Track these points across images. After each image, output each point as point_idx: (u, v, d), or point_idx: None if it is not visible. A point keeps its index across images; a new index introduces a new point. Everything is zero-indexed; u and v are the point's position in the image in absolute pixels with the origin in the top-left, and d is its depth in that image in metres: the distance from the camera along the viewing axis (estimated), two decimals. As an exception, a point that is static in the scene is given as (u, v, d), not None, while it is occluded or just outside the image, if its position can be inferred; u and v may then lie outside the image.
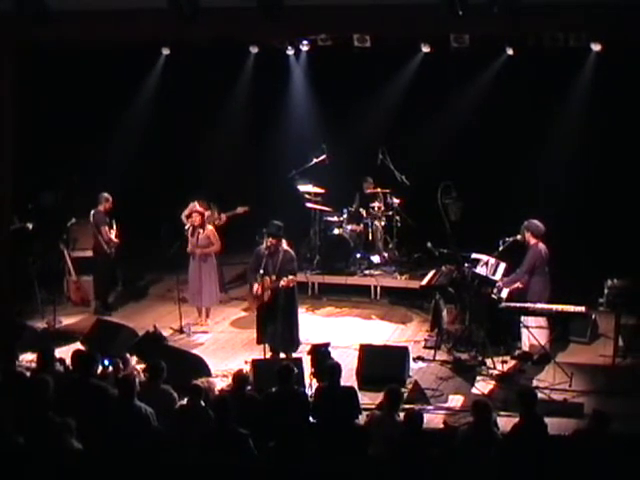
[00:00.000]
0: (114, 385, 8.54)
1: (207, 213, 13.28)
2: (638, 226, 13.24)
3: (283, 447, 6.93)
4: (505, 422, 8.48)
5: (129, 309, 13.63)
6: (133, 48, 12.89)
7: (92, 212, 13.23)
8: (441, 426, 9.07)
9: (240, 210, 13.93)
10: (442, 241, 11.73)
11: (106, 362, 9.62)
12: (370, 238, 14.66)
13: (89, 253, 13.69)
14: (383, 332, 12.57)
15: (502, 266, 11.60)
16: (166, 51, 15.10)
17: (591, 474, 7.06)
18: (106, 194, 13.24)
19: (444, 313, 11.86)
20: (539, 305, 10.72)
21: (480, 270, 11.34)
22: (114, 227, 13.28)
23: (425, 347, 11.69)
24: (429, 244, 12.36)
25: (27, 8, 9.57)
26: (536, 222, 11.18)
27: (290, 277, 10.84)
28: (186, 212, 13.18)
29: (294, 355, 10.78)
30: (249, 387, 9.02)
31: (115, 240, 13.23)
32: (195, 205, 13.08)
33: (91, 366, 8.73)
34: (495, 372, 10.69)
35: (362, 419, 8.67)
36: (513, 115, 14.58)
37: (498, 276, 11.41)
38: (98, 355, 9.08)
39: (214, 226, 12.97)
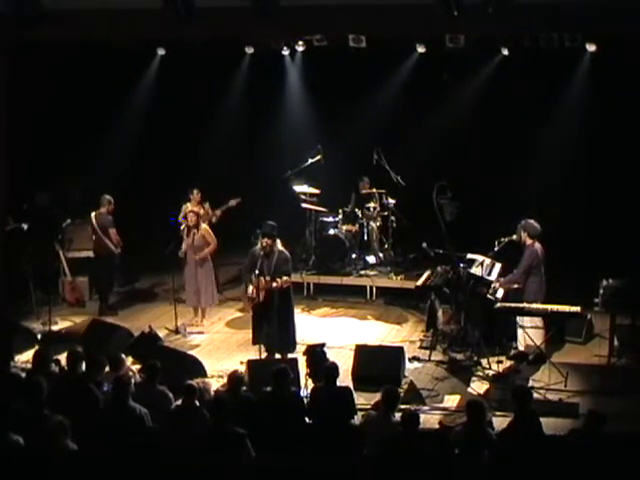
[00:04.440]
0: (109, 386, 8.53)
1: (201, 212, 13.27)
2: (634, 226, 13.24)
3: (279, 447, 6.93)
4: (500, 422, 8.49)
5: (124, 309, 13.59)
6: (129, 48, 12.88)
7: (93, 214, 13.18)
8: (437, 426, 9.07)
9: (233, 202, 13.79)
10: (438, 241, 11.72)
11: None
12: (366, 238, 14.67)
13: (84, 254, 13.68)
14: (378, 332, 12.57)
15: (497, 266, 11.60)
16: (161, 51, 15.07)
17: (586, 474, 7.07)
18: (108, 196, 13.20)
19: (439, 313, 11.86)
20: (534, 305, 10.71)
21: (475, 270, 11.33)
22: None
23: (420, 347, 11.69)
24: (424, 244, 12.33)
25: (23, 8, 9.56)
26: (532, 222, 11.18)
27: (284, 278, 10.84)
28: (182, 214, 13.09)
29: (290, 356, 10.77)
30: (244, 387, 9.00)
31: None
32: (187, 206, 13.12)
33: (95, 371, 8.69)
34: (490, 372, 10.69)
35: (357, 419, 8.67)
36: (508, 115, 14.57)
37: (493, 276, 11.40)
38: (103, 359, 9.01)
39: (210, 224, 12.95)
